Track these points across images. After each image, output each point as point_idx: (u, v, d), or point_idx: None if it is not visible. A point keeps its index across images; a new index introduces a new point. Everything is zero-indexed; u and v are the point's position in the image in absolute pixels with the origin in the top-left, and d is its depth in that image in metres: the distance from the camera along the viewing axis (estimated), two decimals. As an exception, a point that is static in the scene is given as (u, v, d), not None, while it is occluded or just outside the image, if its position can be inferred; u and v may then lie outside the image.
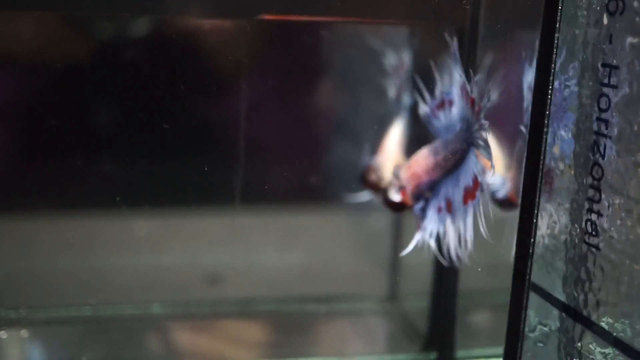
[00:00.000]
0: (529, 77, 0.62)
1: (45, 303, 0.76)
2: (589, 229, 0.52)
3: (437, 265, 0.69)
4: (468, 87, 0.55)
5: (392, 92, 0.71)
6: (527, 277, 0.56)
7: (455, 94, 0.57)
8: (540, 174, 0.55)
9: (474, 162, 0.56)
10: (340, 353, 0.73)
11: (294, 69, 0.75)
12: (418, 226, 0.57)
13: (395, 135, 0.68)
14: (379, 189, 0.67)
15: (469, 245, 0.56)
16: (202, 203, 0.77)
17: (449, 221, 0.56)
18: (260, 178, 0.75)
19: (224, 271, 0.81)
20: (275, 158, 0.72)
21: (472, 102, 0.55)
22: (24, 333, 0.74)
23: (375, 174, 0.68)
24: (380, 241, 0.80)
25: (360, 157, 0.72)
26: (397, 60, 0.71)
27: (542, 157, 0.54)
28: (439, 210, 0.56)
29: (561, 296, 0.56)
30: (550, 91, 0.53)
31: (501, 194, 0.61)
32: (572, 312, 0.54)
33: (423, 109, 0.57)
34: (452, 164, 0.57)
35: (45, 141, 0.75)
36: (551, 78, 0.51)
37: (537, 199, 0.55)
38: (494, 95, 0.57)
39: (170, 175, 0.75)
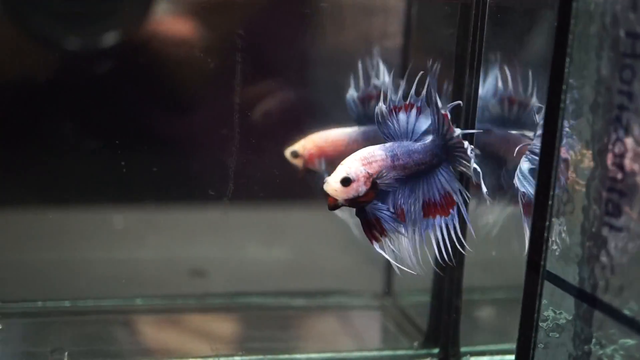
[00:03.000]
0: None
1: (24, 296, 0.73)
2: (610, 209, 0.49)
3: (434, 260, 0.67)
4: (439, 102, 0.54)
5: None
6: (542, 264, 0.53)
7: (424, 103, 0.55)
8: (555, 159, 0.52)
9: (448, 179, 0.55)
10: (336, 348, 0.70)
11: (286, 57, 0.73)
12: (372, 237, 0.55)
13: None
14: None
15: (419, 255, 0.56)
16: (187, 198, 0.75)
17: (402, 229, 0.55)
18: (248, 172, 0.72)
19: (209, 266, 0.79)
20: (264, 152, 0.69)
21: (445, 118, 0.54)
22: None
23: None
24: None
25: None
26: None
27: (556, 141, 0.52)
28: (396, 214, 0.55)
29: (576, 282, 0.52)
30: (565, 77, 0.51)
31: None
32: (589, 299, 0.51)
33: (380, 106, 0.55)
34: (409, 174, 0.55)
35: (24, 136, 0.72)
36: (567, 61, 0.48)
37: (551, 183, 0.52)
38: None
39: (157, 169, 0.72)
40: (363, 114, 0.63)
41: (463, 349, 0.66)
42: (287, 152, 0.64)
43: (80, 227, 0.75)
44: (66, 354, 0.65)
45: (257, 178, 0.68)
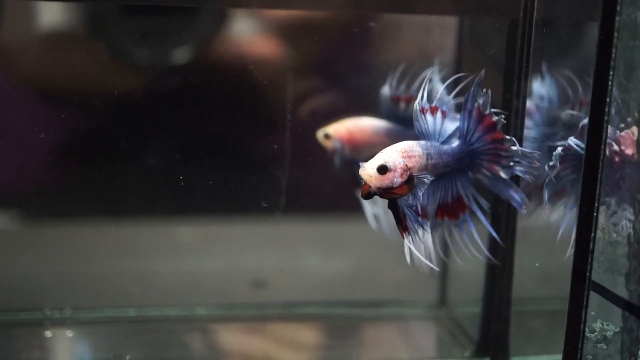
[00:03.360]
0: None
1: (91, 304, 0.77)
2: (655, 222, 0.49)
3: (488, 270, 0.68)
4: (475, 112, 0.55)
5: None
6: (587, 275, 0.54)
7: (451, 109, 0.57)
8: (600, 165, 0.53)
9: (464, 183, 0.57)
10: (389, 357, 0.71)
11: (339, 70, 0.75)
12: (404, 230, 0.55)
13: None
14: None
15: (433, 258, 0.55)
16: (247, 210, 0.78)
17: (427, 226, 0.55)
18: (306, 184, 0.74)
19: (269, 276, 0.81)
20: (322, 164, 0.71)
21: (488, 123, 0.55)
22: (68, 333, 0.74)
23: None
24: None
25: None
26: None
27: (602, 146, 0.52)
28: (417, 213, 0.55)
29: (624, 294, 0.53)
30: (611, 77, 0.51)
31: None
32: (637, 311, 0.51)
33: (421, 103, 0.56)
34: (432, 172, 0.56)
35: (88, 149, 0.76)
36: (613, 56, 0.48)
37: (597, 193, 0.53)
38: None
39: (217, 182, 0.75)
40: (392, 112, 0.65)
41: (513, 359, 0.67)
42: (320, 134, 0.67)
43: (141, 239, 0.78)
44: (128, 357, 0.68)
45: (308, 191, 0.70)
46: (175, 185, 0.71)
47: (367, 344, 0.79)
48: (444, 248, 0.59)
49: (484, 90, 0.55)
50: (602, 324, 0.54)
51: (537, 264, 0.65)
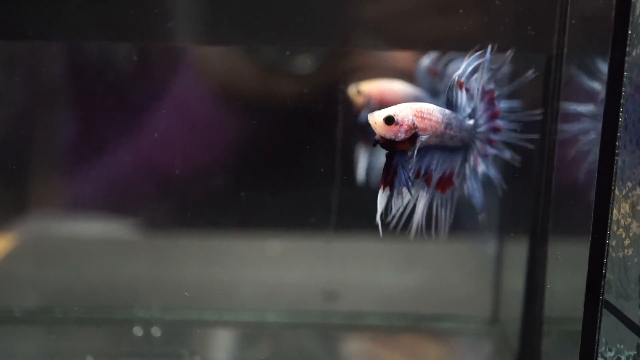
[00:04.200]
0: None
1: (177, 305, 0.85)
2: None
3: (540, 286, 0.70)
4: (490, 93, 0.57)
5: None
6: (600, 297, 0.56)
7: (475, 88, 0.58)
8: (612, 187, 0.55)
9: (461, 161, 0.58)
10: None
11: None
12: (386, 183, 0.55)
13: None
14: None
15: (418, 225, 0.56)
16: (325, 225, 0.83)
17: (424, 192, 0.56)
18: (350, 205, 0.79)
19: (340, 288, 0.86)
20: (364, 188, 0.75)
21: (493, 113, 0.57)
22: (155, 331, 0.83)
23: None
24: (484, 264, 0.81)
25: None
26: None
27: (614, 168, 0.54)
28: (417, 175, 0.56)
29: (636, 319, 0.54)
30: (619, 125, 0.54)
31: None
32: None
33: (456, 76, 0.57)
34: (450, 146, 0.57)
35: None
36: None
37: (609, 215, 0.55)
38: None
39: (296, 199, 0.81)
40: (426, 83, 0.68)
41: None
42: (353, 89, 0.69)
43: (207, 252, 0.86)
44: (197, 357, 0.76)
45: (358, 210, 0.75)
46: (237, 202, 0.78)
47: (417, 356, 0.83)
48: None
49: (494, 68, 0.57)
50: (618, 347, 0.56)
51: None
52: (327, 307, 0.84)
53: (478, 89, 0.57)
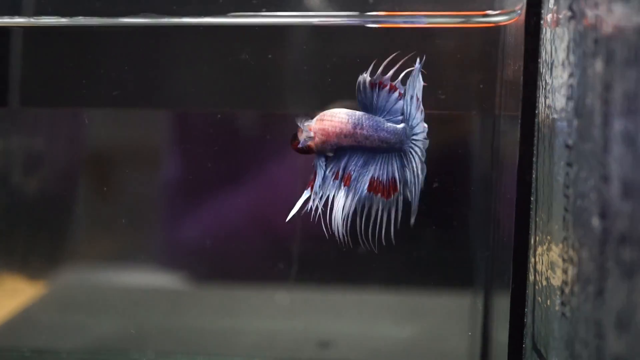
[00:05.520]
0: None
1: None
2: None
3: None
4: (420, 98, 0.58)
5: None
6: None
7: (405, 91, 0.60)
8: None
9: (399, 166, 0.60)
10: None
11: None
12: (309, 185, 0.58)
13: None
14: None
15: (346, 226, 0.58)
16: (329, 279, 0.87)
17: (342, 192, 0.58)
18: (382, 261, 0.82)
19: (336, 338, 0.89)
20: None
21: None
22: None
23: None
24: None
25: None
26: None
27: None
28: (336, 176, 0.58)
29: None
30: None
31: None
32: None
33: (364, 76, 0.59)
34: (370, 147, 0.59)
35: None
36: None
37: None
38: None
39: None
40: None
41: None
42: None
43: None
44: None
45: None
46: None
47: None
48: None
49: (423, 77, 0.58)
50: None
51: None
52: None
53: (412, 97, 0.59)
